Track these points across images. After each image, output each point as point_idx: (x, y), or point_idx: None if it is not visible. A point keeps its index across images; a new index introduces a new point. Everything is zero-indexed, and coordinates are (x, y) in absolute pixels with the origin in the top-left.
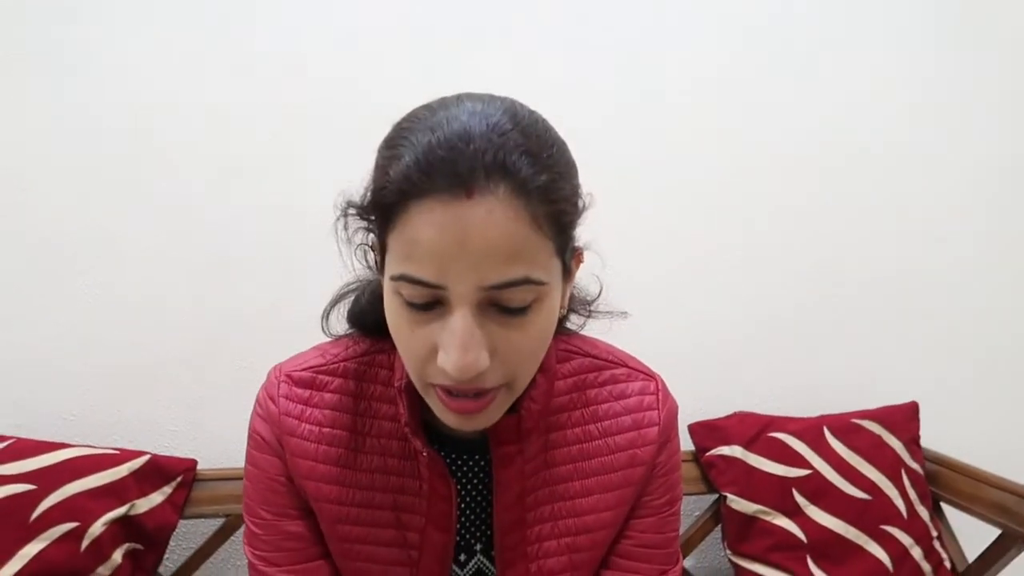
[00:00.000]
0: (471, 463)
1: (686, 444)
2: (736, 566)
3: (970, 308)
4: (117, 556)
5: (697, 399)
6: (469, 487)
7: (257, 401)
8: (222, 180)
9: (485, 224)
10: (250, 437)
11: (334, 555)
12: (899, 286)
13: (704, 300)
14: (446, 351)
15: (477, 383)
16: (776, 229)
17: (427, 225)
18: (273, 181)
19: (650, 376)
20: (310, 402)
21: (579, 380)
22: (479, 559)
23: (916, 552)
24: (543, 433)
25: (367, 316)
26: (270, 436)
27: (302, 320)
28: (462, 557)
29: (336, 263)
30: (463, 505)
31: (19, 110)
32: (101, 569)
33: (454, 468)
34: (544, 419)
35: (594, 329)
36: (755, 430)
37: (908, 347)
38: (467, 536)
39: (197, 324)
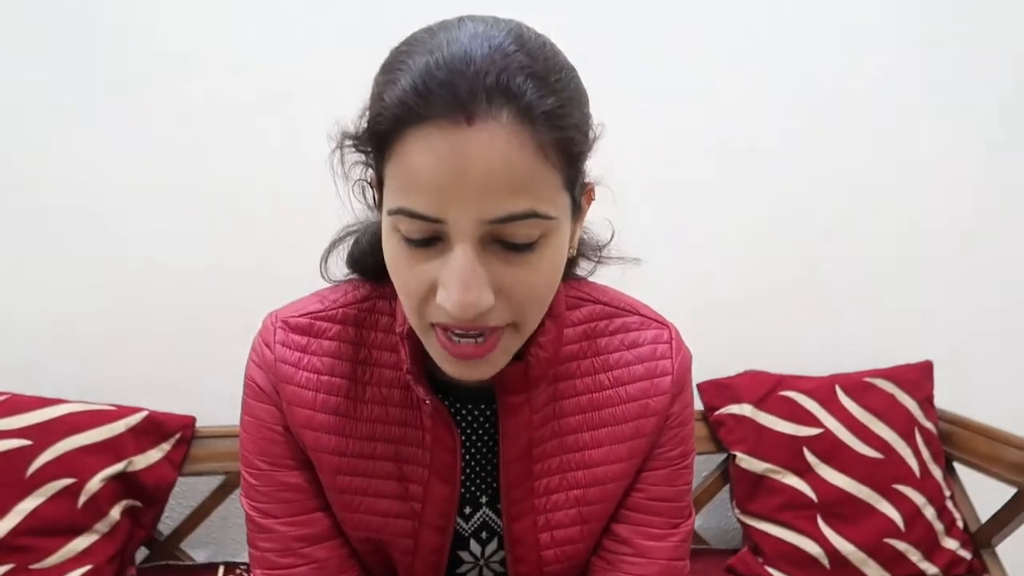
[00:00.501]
0: (476, 413)
1: (695, 403)
2: (744, 525)
3: (987, 266)
4: (115, 513)
5: (707, 357)
6: (474, 438)
7: (253, 348)
8: (221, 139)
9: (487, 152)
10: (246, 386)
11: (334, 507)
12: (914, 244)
13: (716, 257)
14: (446, 288)
15: (479, 322)
16: (791, 188)
17: (425, 153)
18: (271, 140)
19: (663, 324)
20: (307, 349)
21: (589, 328)
22: (485, 512)
23: (929, 512)
24: (551, 382)
25: (367, 259)
26: (266, 384)
27: (303, 275)
28: (467, 510)
29: (338, 218)
30: (468, 456)
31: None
32: (99, 526)
33: (458, 418)
34: (552, 368)
35: (603, 278)
36: (766, 388)
37: (923, 306)
38: (472, 488)
39: (195, 281)
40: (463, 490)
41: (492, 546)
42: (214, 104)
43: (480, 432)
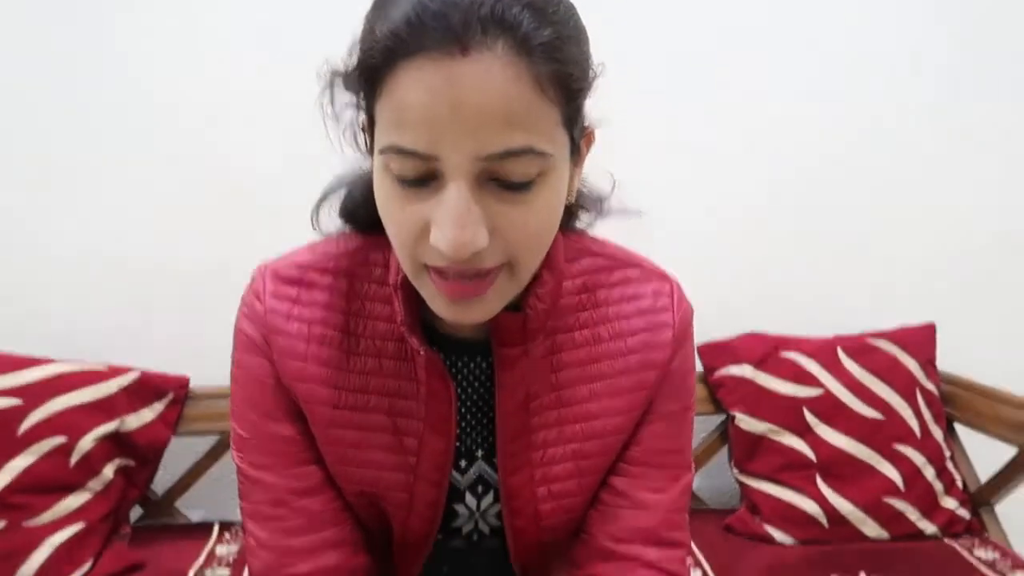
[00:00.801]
0: (472, 365)
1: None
2: (743, 485)
3: (991, 224)
4: (108, 472)
5: (707, 319)
6: (470, 391)
7: (242, 300)
8: (220, 96)
9: (482, 85)
10: (236, 338)
11: (327, 460)
12: (917, 202)
13: (716, 217)
14: (439, 227)
15: (474, 263)
16: (790, 142)
17: (417, 86)
18: (271, 98)
19: (665, 278)
20: (298, 300)
21: (589, 280)
22: (480, 465)
23: (928, 472)
24: (549, 335)
25: (359, 209)
26: (257, 336)
27: (301, 233)
28: (462, 463)
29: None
30: (464, 410)
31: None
32: (92, 484)
33: (454, 371)
34: (550, 320)
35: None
36: (766, 350)
37: (926, 266)
38: (468, 442)
39: (189, 239)
40: (458, 443)
41: (488, 500)
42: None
43: (476, 385)
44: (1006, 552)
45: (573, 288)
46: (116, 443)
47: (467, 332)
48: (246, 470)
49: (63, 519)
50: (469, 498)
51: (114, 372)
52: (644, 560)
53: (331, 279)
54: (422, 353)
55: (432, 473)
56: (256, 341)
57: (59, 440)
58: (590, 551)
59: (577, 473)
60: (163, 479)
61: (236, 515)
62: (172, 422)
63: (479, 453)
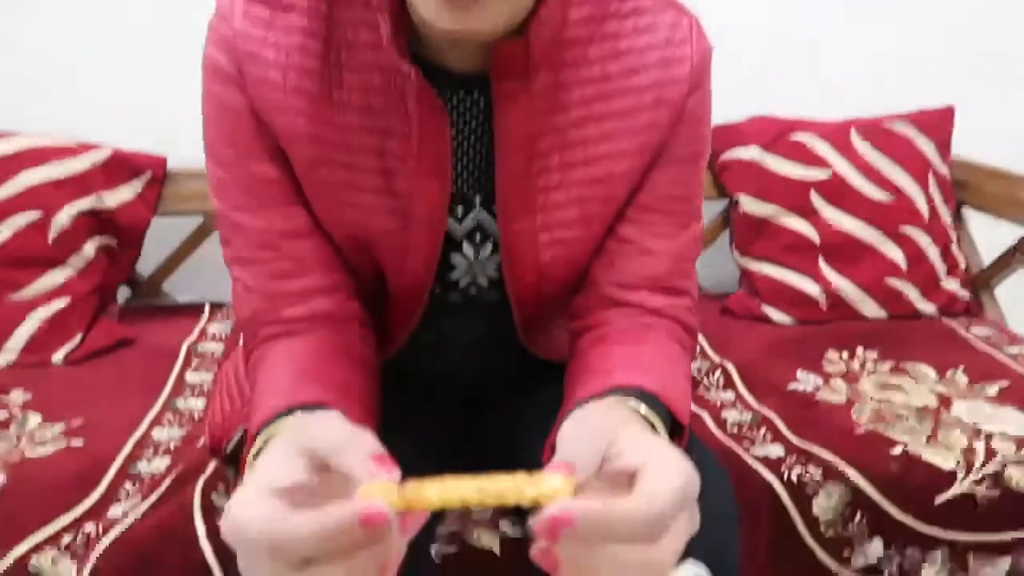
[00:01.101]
0: (468, 102)
1: None
2: (743, 269)
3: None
4: (89, 249)
5: (716, 101)
6: (466, 130)
7: (209, 26)
8: None
9: None
10: (205, 69)
11: (313, 204)
12: None
13: None
14: None
15: None
16: None
17: None
18: None
19: (682, 10)
20: (273, 24)
21: (598, 10)
22: (479, 213)
23: (932, 253)
24: (554, 71)
25: None
26: (228, 64)
27: None
28: (459, 210)
29: None
30: (460, 152)
31: None
32: (73, 260)
33: (448, 107)
34: (555, 52)
35: None
36: (776, 132)
37: (945, 49)
38: (464, 187)
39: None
40: (454, 188)
41: (487, 250)
42: None
43: (473, 125)
44: (1003, 329)
45: (580, 17)
46: (95, 220)
47: (462, 63)
48: (227, 213)
49: (47, 294)
50: (467, 248)
51: (84, 148)
52: (650, 307)
53: (309, 2)
54: (412, 78)
55: (426, 217)
56: (227, 70)
57: (33, 215)
58: (594, 300)
59: (582, 220)
60: (149, 262)
61: (226, 296)
62: (152, 202)
63: (477, 200)
